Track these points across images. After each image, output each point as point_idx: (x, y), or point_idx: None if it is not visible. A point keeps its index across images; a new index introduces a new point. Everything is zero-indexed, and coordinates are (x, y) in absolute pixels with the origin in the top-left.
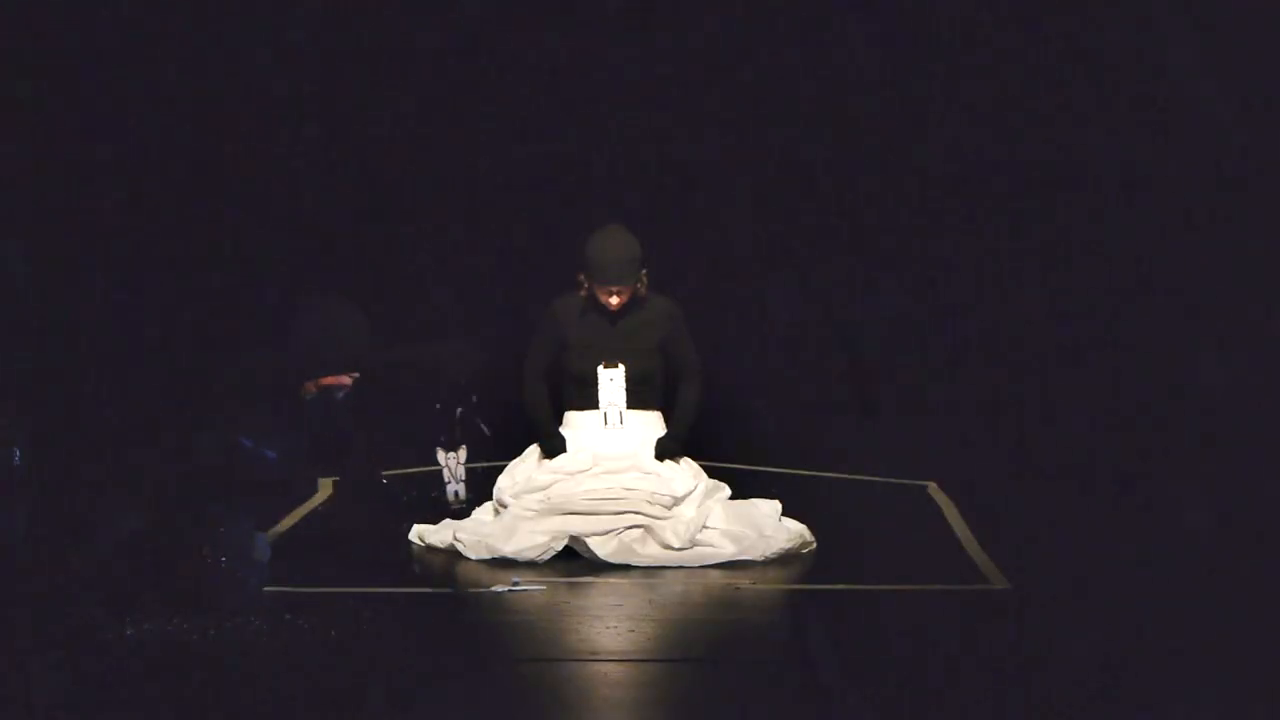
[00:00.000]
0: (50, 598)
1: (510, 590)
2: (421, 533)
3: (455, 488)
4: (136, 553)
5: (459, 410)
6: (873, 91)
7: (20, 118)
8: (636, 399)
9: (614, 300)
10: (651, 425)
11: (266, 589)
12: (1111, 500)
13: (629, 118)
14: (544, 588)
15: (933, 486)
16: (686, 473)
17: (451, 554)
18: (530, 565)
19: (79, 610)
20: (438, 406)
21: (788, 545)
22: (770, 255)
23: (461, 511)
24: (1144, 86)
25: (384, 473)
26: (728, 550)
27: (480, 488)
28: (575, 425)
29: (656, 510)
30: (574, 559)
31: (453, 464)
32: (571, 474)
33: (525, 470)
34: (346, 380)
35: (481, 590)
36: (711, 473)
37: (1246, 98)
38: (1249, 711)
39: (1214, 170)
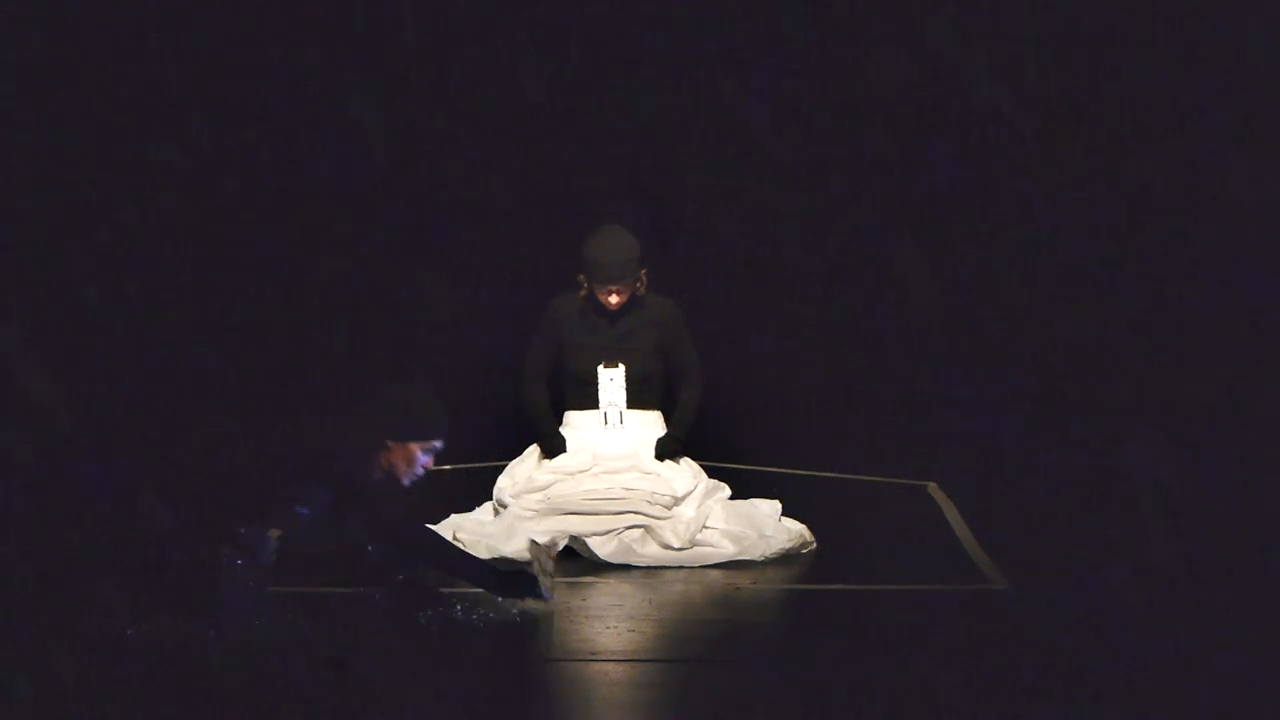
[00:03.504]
0: (50, 598)
1: None
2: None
3: (548, 582)
4: (137, 552)
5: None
6: (875, 90)
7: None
8: (636, 399)
9: (613, 300)
10: (651, 425)
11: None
12: (1112, 500)
13: (629, 117)
14: None
15: (933, 486)
16: (686, 473)
17: None
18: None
19: (80, 610)
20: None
21: (788, 545)
22: (770, 254)
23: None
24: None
25: None
26: (728, 550)
27: (480, 488)
28: (575, 425)
29: (656, 510)
30: (574, 559)
31: (543, 558)
32: (571, 474)
33: (525, 470)
34: (428, 461)
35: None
36: (711, 473)
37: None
38: (1249, 710)
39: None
